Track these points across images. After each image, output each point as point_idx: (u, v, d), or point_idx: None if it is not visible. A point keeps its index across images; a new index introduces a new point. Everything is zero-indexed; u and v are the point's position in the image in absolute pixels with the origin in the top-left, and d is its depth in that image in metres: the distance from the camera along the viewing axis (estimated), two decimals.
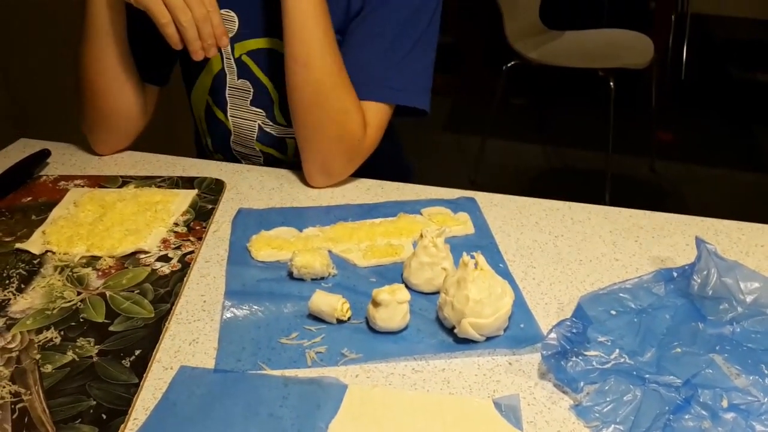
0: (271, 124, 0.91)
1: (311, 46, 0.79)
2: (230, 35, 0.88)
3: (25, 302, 0.64)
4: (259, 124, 0.92)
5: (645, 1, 3.43)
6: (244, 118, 0.93)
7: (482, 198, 0.82)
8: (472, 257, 0.60)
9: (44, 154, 0.89)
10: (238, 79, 0.91)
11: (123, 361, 0.57)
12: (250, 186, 0.85)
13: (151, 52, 0.89)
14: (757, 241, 0.74)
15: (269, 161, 0.95)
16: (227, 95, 0.92)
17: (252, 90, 0.91)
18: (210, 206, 0.80)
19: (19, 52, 1.83)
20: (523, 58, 2.33)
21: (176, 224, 0.76)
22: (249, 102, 0.92)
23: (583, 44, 2.45)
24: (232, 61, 0.89)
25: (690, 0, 3.45)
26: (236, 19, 0.87)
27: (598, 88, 2.34)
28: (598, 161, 2.60)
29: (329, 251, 0.70)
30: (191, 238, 0.74)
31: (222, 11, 0.85)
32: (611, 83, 2.25)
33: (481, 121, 2.58)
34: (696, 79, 3.47)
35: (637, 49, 2.36)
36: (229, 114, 0.93)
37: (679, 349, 0.58)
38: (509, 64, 2.38)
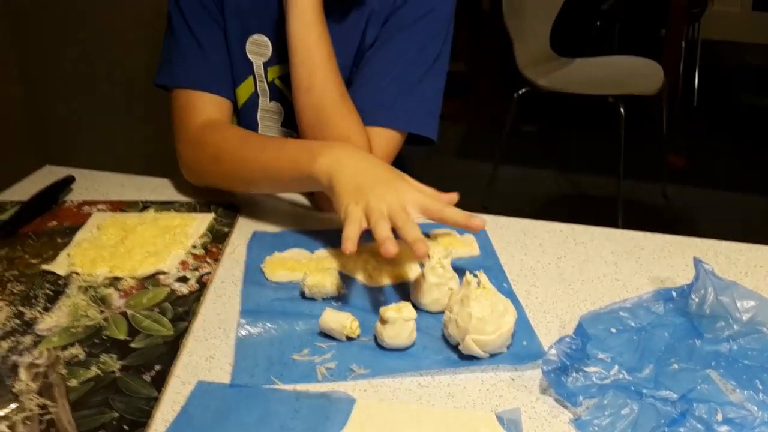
0: None
1: (313, 72, 0.83)
2: (264, 60, 0.92)
3: (51, 321, 0.67)
4: None
5: (656, 28, 3.47)
6: None
7: (488, 220, 0.84)
8: (475, 276, 0.63)
9: (68, 180, 0.93)
10: (270, 102, 0.94)
11: (144, 375, 0.60)
12: (264, 211, 0.88)
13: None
14: (756, 262, 0.76)
15: None
16: (258, 117, 0.95)
17: (283, 111, 0.95)
18: (226, 229, 0.83)
19: (46, 84, 1.90)
20: (534, 85, 2.37)
21: (194, 247, 0.79)
22: (280, 123, 0.95)
23: (593, 71, 2.49)
24: (265, 84, 0.93)
25: (700, 27, 3.49)
26: (269, 44, 0.91)
27: (609, 115, 2.36)
28: (611, 187, 2.62)
29: (339, 272, 0.73)
30: (208, 260, 0.77)
31: (256, 36, 0.90)
32: (621, 109, 2.28)
33: (492, 147, 2.62)
34: (708, 105, 3.49)
35: (646, 76, 2.39)
36: None
37: (676, 365, 0.60)
38: (520, 92, 2.42)
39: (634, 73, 2.44)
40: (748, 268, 0.75)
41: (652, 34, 3.50)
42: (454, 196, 0.76)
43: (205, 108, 0.89)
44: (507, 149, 2.59)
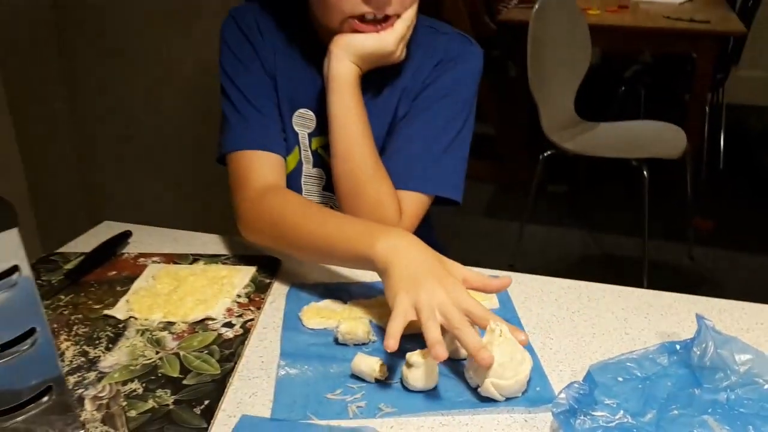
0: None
1: (351, 144, 0.92)
2: (309, 131, 1.01)
3: (113, 359, 0.75)
4: (330, 206, 1.04)
5: (680, 93, 3.54)
6: (318, 201, 1.05)
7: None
8: (498, 326, 0.70)
9: (126, 235, 1.03)
10: (313, 168, 1.04)
11: (194, 409, 0.67)
12: (302, 264, 0.96)
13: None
14: (757, 319, 0.82)
15: None
16: (302, 182, 1.04)
17: (325, 177, 1.03)
18: (267, 281, 0.91)
19: (97, 150, 2.03)
20: (560, 148, 2.45)
21: (239, 296, 0.87)
22: (322, 188, 1.04)
23: (617, 135, 2.56)
24: (309, 153, 1.03)
25: (725, 91, 3.56)
26: (314, 117, 1.01)
27: (635, 177, 2.42)
28: (637, 248, 2.66)
29: (370, 321, 0.81)
30: (251, 308, 0.85)
31: (302, 110, 1.00)
32: (645, 172, 2.34)
33: (520, 207, 2.69)
34: (734, 168, 3.53)
35: (669, 141, 2.46)
36: None
37: (676, 411, 0.66)
38: (546, 154, 2.50)
39: (657, 138, 2.51)
40: (749, 325, 0.81)
41: (677, 99, 3.58)
42: (506, 281, 0.78)
43: (265, 169, 0.95)
44: (535, 209, 2.66)
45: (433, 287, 0.73)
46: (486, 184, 3.31)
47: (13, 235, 0.57)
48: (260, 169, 0.95)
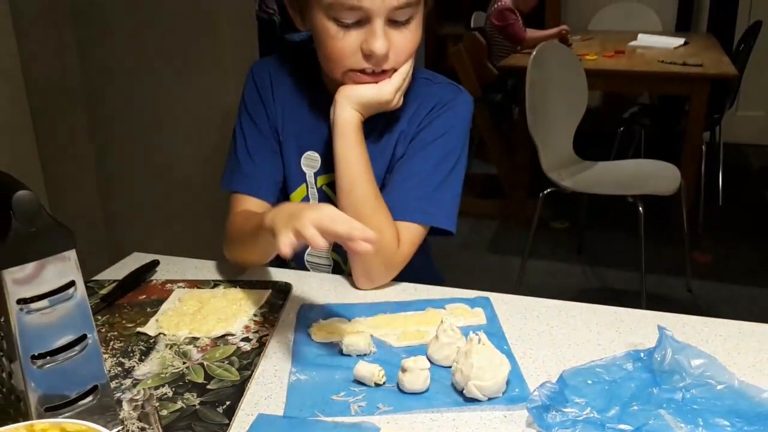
0: None
1: (354, 180, 1.04)
2: (315, 171, 1.14)
3: (145, 368, 0.86)
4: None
5: (679, 133, 3.65)
6: None
7: (495, 297, 1.02)
8: (477, 334, 0.80)
9: (154, 264, 1.15)
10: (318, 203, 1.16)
11: (218, 408, 0.78)
12: (311, 288, 1.07)
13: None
14: (716, 332, 0.92)
15: (335, 270, 1.18)
16: None
17: None
18: (280, 302, 1.02)
19: (125, 184, 2.16)
20: (558, 185, 2.56)
21: (255, 315, 0.98)
22: None
23: (613, 174, 2.68)
24: (315, 190, 1.15)
25: (722, 130, 3.68)
26: (319, 158, 1.13)
27: (633, 214, 2.50)
28: (636, 282, 2.74)
29: (371, 335, 0.91)
30: (266, 325, 0.96)
31: (309, 152, 1.13)
32: (640, 208, 2.45)
33: (522, 243, 2.79)
34: (734, 205, 3.63)
35: (663, 178, 2.57)
36: None
37: (636, 407, 0.76)
38: (545, 192, 2.61)
39: (651, 176, 2.62)
40: (709, 337, 0.91)
41: (675, 138, 3.69)
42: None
43: (245, 208, 1.11)
44: (536, 245, 2.75)
45: (303, 215, 0.84)
46: (490, 221, 3.42)
47: (72, 255, 0.69)
48: (241, 207, 1.12)
